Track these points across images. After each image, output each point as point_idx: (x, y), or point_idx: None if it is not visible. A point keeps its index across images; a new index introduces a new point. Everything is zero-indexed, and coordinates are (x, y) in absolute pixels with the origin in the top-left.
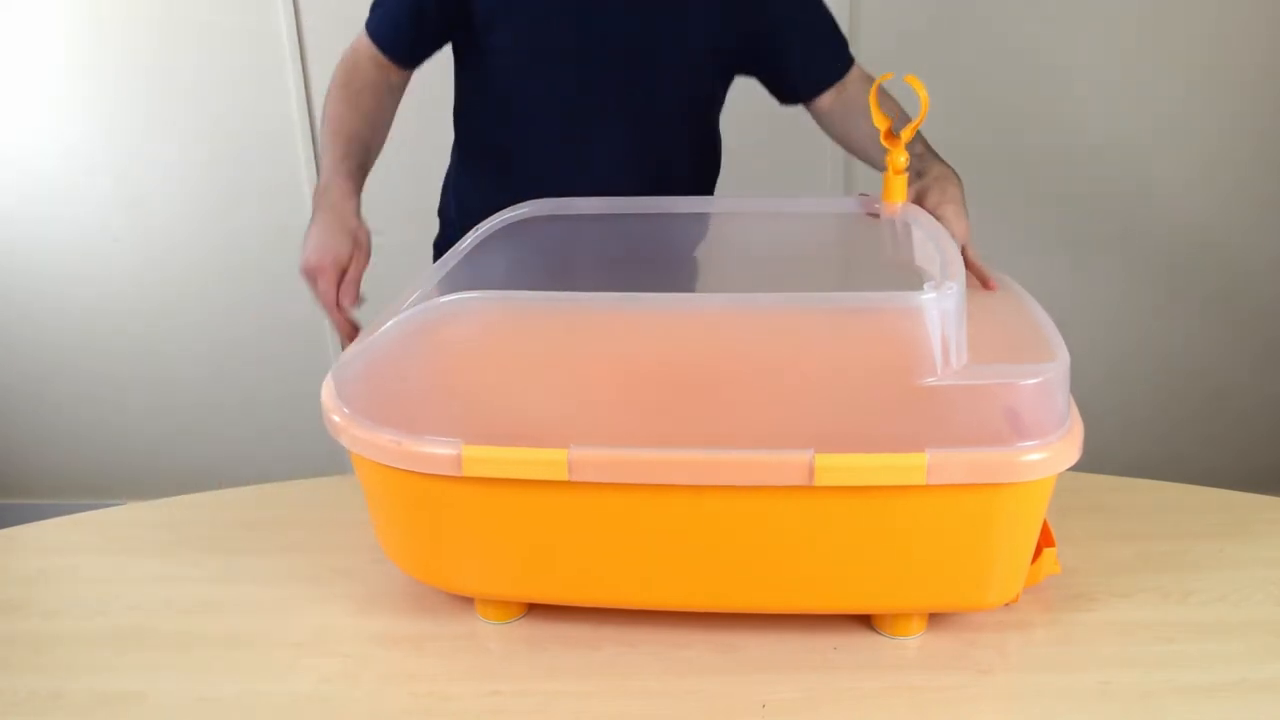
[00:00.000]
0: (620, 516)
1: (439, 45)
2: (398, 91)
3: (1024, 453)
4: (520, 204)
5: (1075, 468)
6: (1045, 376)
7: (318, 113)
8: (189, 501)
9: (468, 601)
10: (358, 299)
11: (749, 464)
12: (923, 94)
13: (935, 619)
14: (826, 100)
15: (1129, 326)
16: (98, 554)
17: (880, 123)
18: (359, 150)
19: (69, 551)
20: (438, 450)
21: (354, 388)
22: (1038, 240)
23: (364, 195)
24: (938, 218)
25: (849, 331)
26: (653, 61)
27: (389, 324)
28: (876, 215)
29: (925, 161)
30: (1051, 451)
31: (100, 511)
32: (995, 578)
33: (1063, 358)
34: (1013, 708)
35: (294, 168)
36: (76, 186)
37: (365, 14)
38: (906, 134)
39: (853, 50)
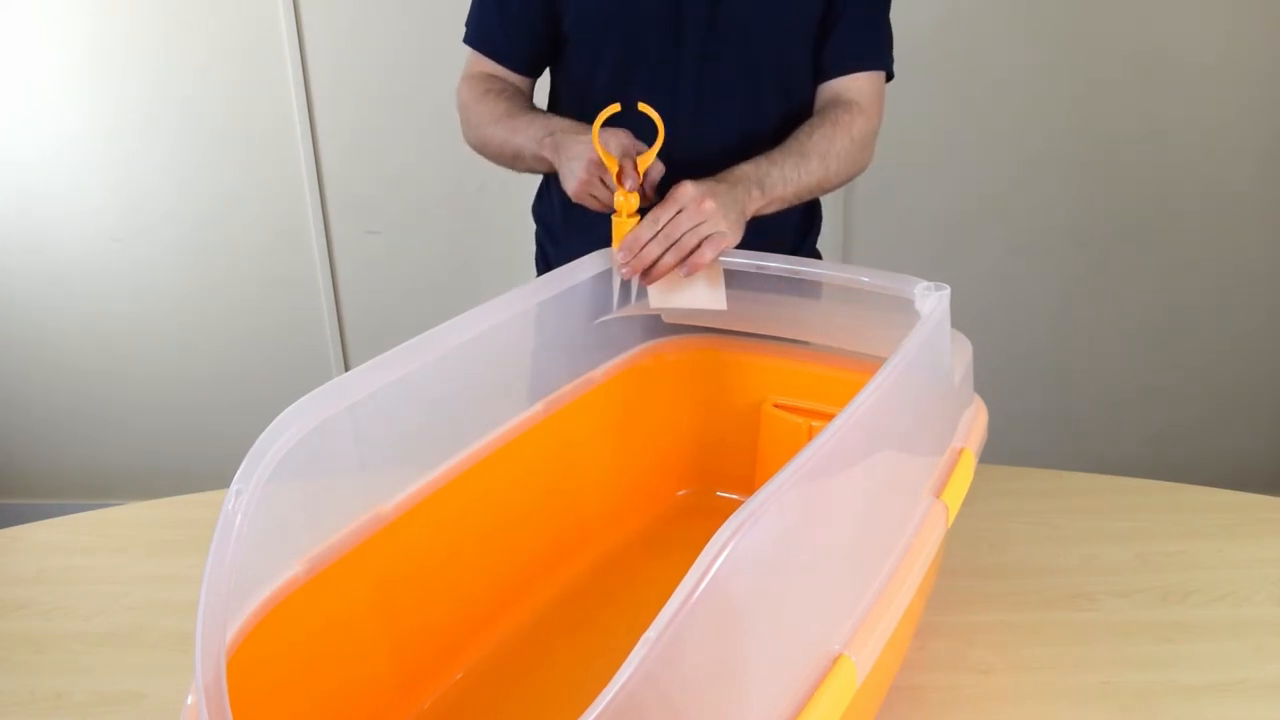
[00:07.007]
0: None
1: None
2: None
3: None
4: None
5: (1075, 468)
6: None
7: (318, 113)
8: (189, 501)
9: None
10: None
11: None
12: (659, 124)
13: (934, 619)
14: (823, 95)
15: (1130, 326)
16: (98, 554)
17: (610, 163)
18: (532, 112)
19: (69, 551)
20: None
21: None
22: (1042, 238)
23: (362, 195)
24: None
25: None
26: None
27: None
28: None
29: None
30: None
31: (100, 511)
32: None
33: None
34: (1013, 708)
35: (294, 168)
36: (76, 186)
37: (364, 13)
38: (645, 161)
39: None
